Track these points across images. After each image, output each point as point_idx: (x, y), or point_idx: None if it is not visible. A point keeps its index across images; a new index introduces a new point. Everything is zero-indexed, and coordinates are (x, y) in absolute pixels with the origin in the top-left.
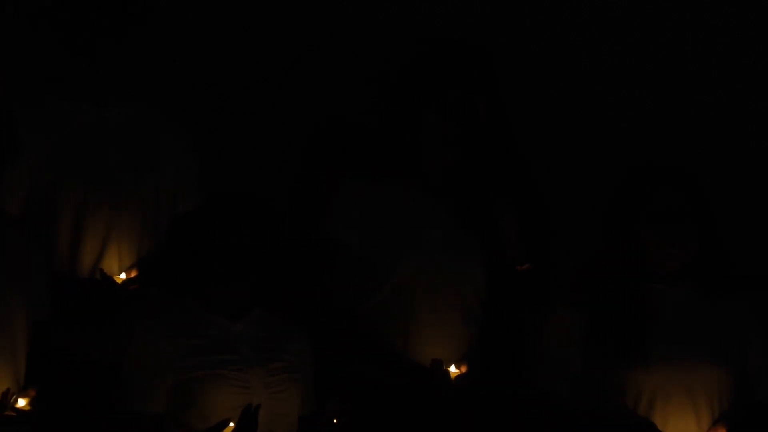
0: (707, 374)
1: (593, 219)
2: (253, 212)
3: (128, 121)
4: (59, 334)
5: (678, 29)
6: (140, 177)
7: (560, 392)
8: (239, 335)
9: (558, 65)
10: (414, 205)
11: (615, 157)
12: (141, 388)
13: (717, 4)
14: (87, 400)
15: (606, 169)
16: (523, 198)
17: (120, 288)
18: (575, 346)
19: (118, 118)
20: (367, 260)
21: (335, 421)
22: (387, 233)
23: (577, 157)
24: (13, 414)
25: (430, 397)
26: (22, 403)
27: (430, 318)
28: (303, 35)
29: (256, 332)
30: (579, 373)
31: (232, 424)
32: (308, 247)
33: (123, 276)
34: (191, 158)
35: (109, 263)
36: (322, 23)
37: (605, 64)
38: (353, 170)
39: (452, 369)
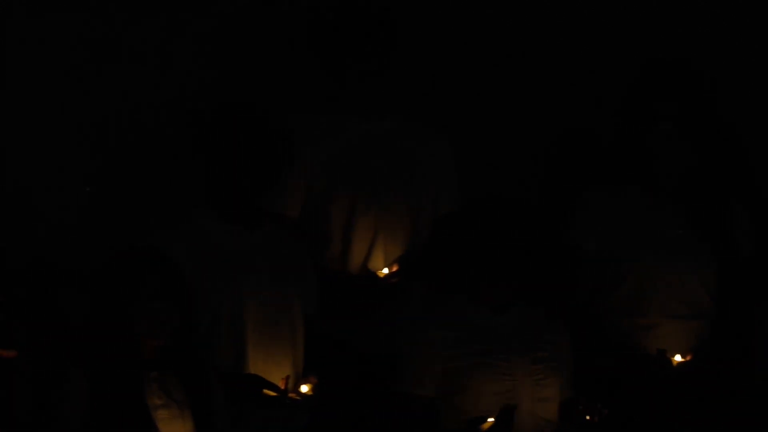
0: None
1: None
2: (518, 215)
3: (390, 133)
4: (332, 327)
5: None
6: (402, 183)
7: None
8: (503, 327)
9: None
10: (648, 209)
11: None
12: (414, 375)
13: None
14: (361, 386)
15: None
16: (750, 199)
17: (382, 282)
18: None
19: (381, 131)
20: (606, 263)
21: (587, 417)
22: (624, 236)
23: None
24: (298, 398)
25: (652, 382)
26: (305, 389)
27: (662, 312)
28: (550, 55)
29: (519, 325)
30: None
31: (491, 419)
32: (555, 250)
33: (385, 271)
34: (449, 165)
35: (375, 261)
36: (566, 41)
37: None
38: (593, 177)
39: (677, 358)
